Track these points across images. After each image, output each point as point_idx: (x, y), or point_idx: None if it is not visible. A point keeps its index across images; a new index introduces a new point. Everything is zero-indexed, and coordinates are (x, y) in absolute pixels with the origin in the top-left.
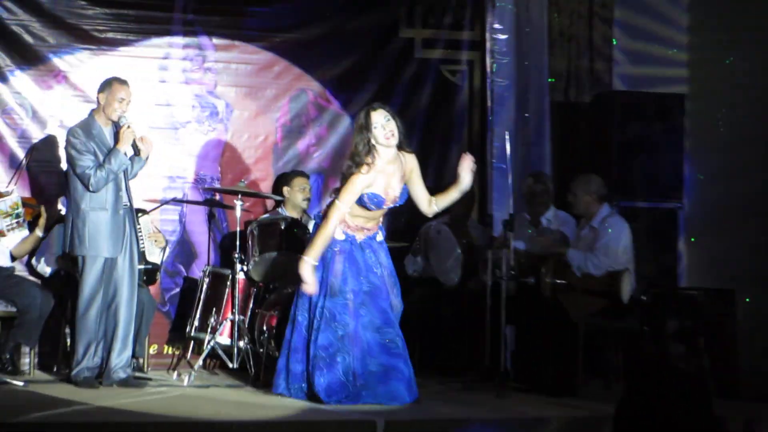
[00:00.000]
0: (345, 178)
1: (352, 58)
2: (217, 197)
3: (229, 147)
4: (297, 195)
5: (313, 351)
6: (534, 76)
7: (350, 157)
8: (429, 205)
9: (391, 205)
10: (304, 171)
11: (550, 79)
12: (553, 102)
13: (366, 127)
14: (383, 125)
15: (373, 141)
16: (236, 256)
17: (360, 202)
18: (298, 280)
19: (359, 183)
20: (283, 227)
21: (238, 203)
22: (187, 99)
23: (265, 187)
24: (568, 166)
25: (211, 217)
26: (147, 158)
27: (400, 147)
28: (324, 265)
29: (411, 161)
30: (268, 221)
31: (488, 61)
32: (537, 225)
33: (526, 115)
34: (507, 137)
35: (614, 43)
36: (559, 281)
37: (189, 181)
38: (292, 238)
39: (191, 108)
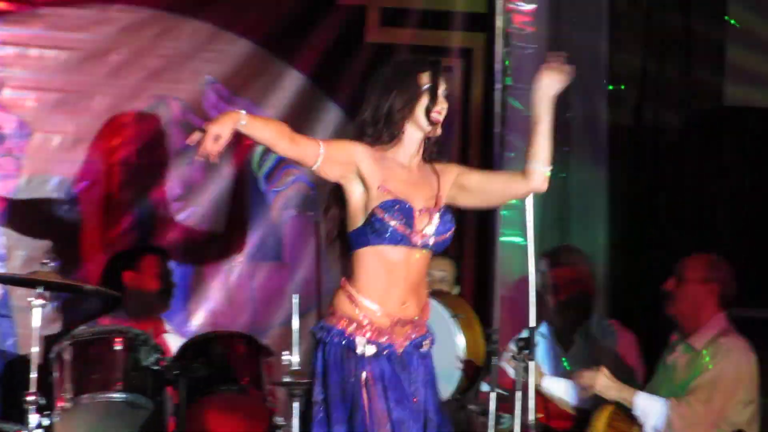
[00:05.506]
0: None
1: (256, 38)
2: None
3: (21, 202)
4: (149, 286)
5: None
6: (582, 79)
7: (356, 127)
8: (524, 177)
9: (424, 241)
10: (158, 246)
11: (609, 86)
12: (615, 125)
13: (404, 87)
14: (437, 97)
15: (405, 115)
16: (30, 400)
17: (372, 224)
18: None
19: (358, 148)
20: (120, 347)
21: (36, 303)
22: None
23: (90, 273)
24: (641, 240)
25: None
26: None
27: (431, 156)
28: (341, 401)
29: (453, 169)
30: (90, 336)
31: (499, 50)
32: (568, 347)
33: (566, 149)
34: None
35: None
36: None
37: None
38: (139, 369)
39: None
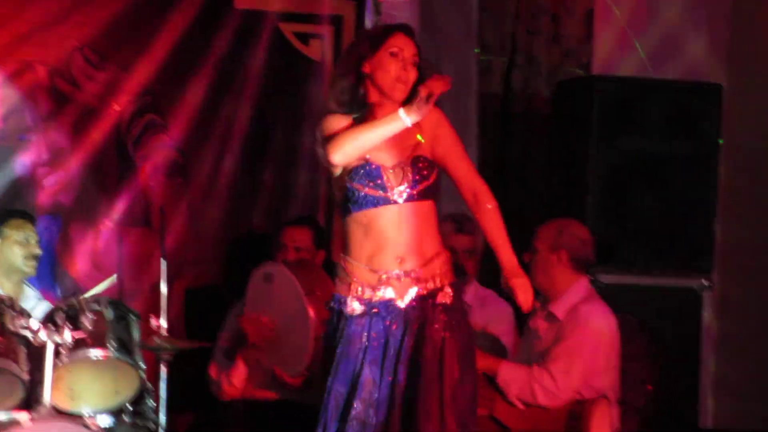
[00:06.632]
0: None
1: (125, 4)
2: None
3: None
4: (14, 251)
5: None
6: (452, 48)
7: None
8: (475, 197)
9: (405, 195)
10: (25, 210)
11: (480, 55)
12: (484, 94)
13: (370, 48)
14: (403, 58)
15: (368, 74)
16: None
17: (346, 196)
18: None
19: (333, 122)
20: None
21: None
22: None
23: None
24: (511, 209)
25: None
26: None
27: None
28: (332, 340)
29: (433, 118)
30: None
31: (369, 18)
32: None
33: None
34: None
35: None
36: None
37: None
38: (4, 335)
39: None
